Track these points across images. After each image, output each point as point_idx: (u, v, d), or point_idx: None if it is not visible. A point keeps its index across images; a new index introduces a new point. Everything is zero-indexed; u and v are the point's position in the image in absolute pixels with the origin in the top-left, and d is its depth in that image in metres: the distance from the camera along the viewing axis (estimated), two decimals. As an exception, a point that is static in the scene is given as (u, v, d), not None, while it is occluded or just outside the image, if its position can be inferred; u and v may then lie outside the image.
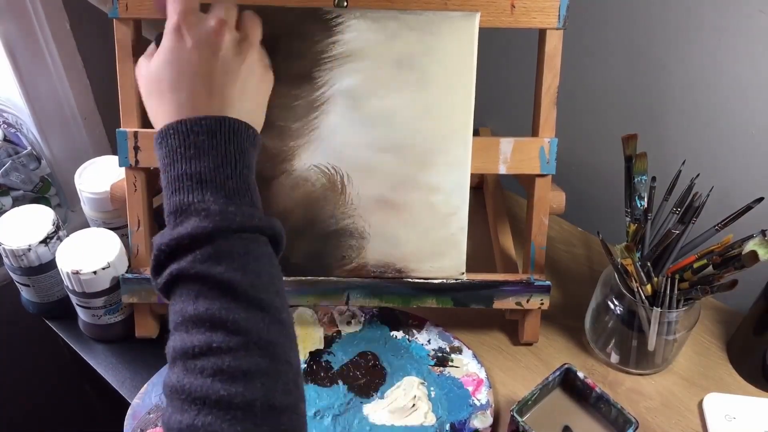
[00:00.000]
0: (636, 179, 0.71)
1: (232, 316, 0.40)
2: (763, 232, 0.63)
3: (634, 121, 0.86)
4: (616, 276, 0.71)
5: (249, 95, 0.48)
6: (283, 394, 0.41)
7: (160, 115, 0.46)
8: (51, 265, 0.75)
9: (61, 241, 0.74)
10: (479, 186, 0.97)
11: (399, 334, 0.77)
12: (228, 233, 0.42)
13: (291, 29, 0.65)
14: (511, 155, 0.71)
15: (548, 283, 0.73)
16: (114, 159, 0.80)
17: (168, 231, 0.42)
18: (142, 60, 0.49)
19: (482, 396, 0.71)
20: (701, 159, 0.81)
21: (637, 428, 0.64)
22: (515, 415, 0.64)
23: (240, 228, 0.42)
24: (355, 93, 0.67)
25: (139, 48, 0.69)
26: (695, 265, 0.67)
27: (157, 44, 0.49)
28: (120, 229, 0.81)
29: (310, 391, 0.71)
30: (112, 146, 0.96)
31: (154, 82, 0.46)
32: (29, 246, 0.72)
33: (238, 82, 0.47)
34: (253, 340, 0.40)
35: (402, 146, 0.68)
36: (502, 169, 0.71)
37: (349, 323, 0.78)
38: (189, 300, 0.41)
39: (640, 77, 0.83)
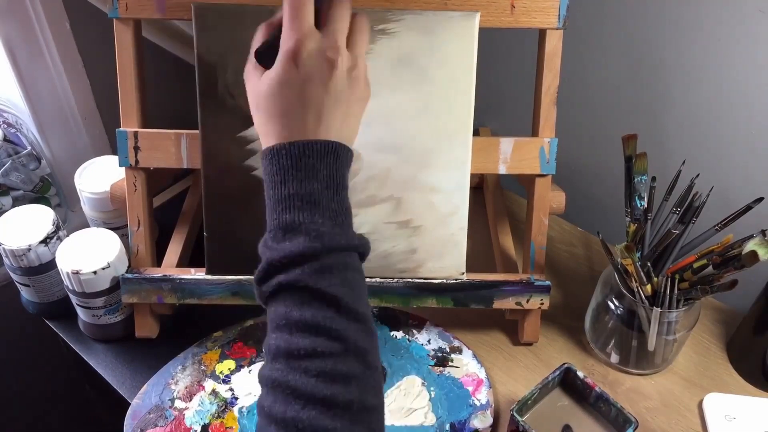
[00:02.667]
0: (636, 179, 0.71)
1: (335, 325, 0.45)
2: (763, 232, 0.63)
3: (634, 121, 0.86)
4: (616, 276, 0.71)
5: (352, 118, 0.51)
6: (374, 396, 0.46)
7: (270, 134, 0.49)
8: (51, 265, 0.75)
9: (61, 241, 0.74)
10: (479, 186, 0.98)
11: (399, 334, 0.77)
12: (333, 251, 0.46)
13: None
14: (511, 155, 0.71)
15: (548, 283, 0.73)
16: (114, 159, 0.80)
17: (276, 245, 0.46)
18: (252, 71, 0.50)
19: (482, 396, 0.71)
20: (701, 159, 0.81)
21: (636, 427, 0.64)
22: (515, 414, 0.64)
23: (342, 247, 0.47)
24: (355, 93, 0.67)
25: (139, 48, 0.69)
26: (695, 265, 0.67)
27: (257, 57, 0.50)
28: (120, 229, 0.81)
29: (310, 391, 0.71)
30: (112, 146, 0.97)
31: (264, 100, 0.49)
32: (29, 246, 0.72)
33: (344, 109, 0.50)
34: (351, 348, 0.45)
35: (402, 146, 0.68)
36: (502, 169, 0.71)
37: (349, 323, 0.78)
38: (294, 306, 0.45)
39: (640, 77, 0.83)
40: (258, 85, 0.49)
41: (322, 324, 0.45)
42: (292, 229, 0.46)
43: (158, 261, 0.77)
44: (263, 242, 0.48)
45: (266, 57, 0.50)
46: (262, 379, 0.46)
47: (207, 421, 0.68)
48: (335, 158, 0.48)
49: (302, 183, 0.47)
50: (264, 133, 0.50)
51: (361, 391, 0.45)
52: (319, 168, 0.47)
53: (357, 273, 0.48)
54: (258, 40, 0.51)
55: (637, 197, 0.71)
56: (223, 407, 0.70)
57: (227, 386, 0.71)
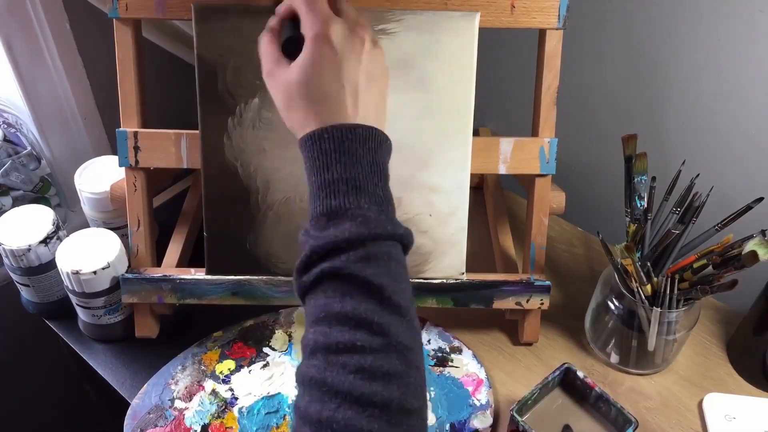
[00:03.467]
0: (636, 179, 0.71)
1: (377, 318, 0.42)
2: (763, 232, 0.63)
3: (634, 121, 0.86)
4: (616, 276, 0.71)
5: (383, 102, 0.50)
6: (414, 397, 0.43)
7: (307, 121, 0.47)
8: (51, 265, 0.75)
9: (61, 241, 0.74)
10: (479, 186, 0.98)
11: (399, 334, 0.77)
12: (378, 239, 0.44)
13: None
14: (511, 155, 0.71)
15: (548, 283, 0.73)
16: (114, 159, 0.80)
17: (320, 232, 0.44)
18: (275, 67, 0.49)
19: (482, 396, 0.71)
20: (701, 159, 0.81)
21: (636, 427, 0.64)
22: (515, 414, 0.64)
23: (388, 235, 0.45)
24: (355, 93, 0.67)
25: (139, 48, 0.69)
26: (695, 265, 0.67)
27: (285, 50, 0.50)
28: (120, 229, 0.81)
29: (310, 391, 0.71)
30: (112, 146, 0.96)
31: (298, 87, 0.47)
32: (29, 246, 0.72)
33: (377, 88, 0.49)
34: (392, 343, 0.43)
35: (402, 146, 0.68)
36: (502, 169, 0.71)
37: (349, 323, 0.77)
38: (335, 298, 0.43)
39: (640, 77, 0.83)
40: (289, 75, 0.48)
41: (364, 316, 0.42)
42: (337, 215, 0.44)
43: (158, 261, 0.77)
44: (304, 232, 0.46)
45: (289, 49, 0.50)
46: (299, 377, 0.43)
47: (207, 421, 0.68)
48: (378, 145, 0.47)
49: (346, 167, 0.45)
50: (300, 122, 0.48)
51: (402, 392, 0.42)
52: (363, 153, 0.46)
53: (401, 265, 0.46)
54: (271, 40, 0.51)
55: (637, 197, 0.71)
56: (223, 407, 0.70)
57: (227, 386, 0.71)
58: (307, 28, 0.48)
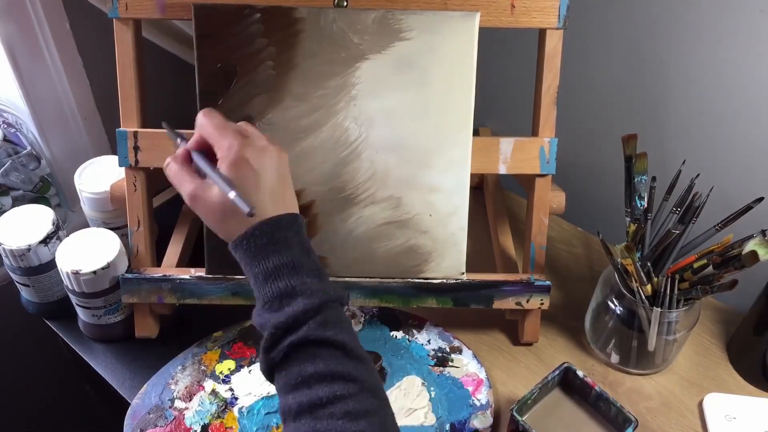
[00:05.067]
0: (636, 179, 0.71)
1: (347, 368, 0.50)
2: (763, 232, 0.63)
3: (634, 121, 0.86)
4: (616, 276, 0.71)
5: (292, 189, 0.57)
6: (392, 426, 0.51)
7: (240, 226, 0.53)
8: (51, 265, 0.75)
9: (60, 241, 0.74)
10: (479, 186, 0.98)
11: (399, 334, 0.77)
12: (327, 304, 0.52)
13: (289, 30, 0.65)
14: (511, 155, 0.71)
15: (548, 283, 0.73)
16: (114, 159, 0.80)
17: (277, 312, 0.51)
18: (199, 192, 0.54)
19: (482, 396, 0.71)
20: (701, 159, 0.81)
21: (636, 427, 0.64)
22: (515, 414, 0.64)
23: (333, 299, 0.52)
24: (355, 93, 0.67)
25: (139, 48, 0.69)
26: (695, 265, 0.67)
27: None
28: (120, 229, 0.81)
29: (310, 391, 0.71)
30: (112, 146, 0.96)
31: (231, 205, 0.52)
32: (29, 246, 0.72)
33: (288, 183, 0.57)
34: (365, 386, 0.50)
35: (402, 146, 0.68)
36: (502, 169, 0.71)
37: (349, 323, 0.78)
38: (307, 362, 0.50)
39: (640, 77, 0.83)
40: (216, 196, 0.53)
41: (336, 369, 0.49)
42: (288, 294, 0.51)
43: (158, 261, 0.77)
44: (259, 316, 0.52)
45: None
46: None
47: (207, 421, 0.68)
48: (299, 226, 0.55)
49: (282, 253, 0.52)
50: (233, 228, 0.54)
51: (382, 424, 0.49)
52: (291, 237, 0.53)
53: (348, 321, 0.54)
54: (181, 166, 0.55)
55: (637, 197, 0.71)
56: (223, 407, 0.70)
57: (227, 386, 0.71)
58: (224, 155, 0.53)
